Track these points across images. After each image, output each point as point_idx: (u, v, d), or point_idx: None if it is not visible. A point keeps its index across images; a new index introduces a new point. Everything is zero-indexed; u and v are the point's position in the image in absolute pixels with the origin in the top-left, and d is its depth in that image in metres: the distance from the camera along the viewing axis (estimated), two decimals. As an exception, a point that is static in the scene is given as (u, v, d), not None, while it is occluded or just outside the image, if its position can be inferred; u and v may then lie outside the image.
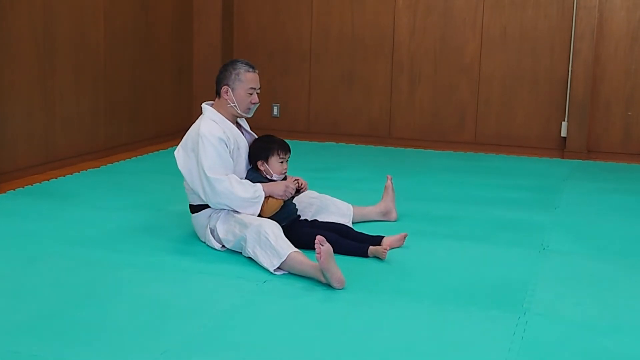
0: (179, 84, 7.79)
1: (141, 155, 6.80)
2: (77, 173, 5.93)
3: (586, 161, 7.11)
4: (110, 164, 6.33)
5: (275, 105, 8.03)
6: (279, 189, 3.97)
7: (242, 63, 4.09)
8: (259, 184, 3.96)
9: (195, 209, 4.11)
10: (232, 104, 4.06)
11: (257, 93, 4.11)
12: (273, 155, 4.09)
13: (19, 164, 5.71)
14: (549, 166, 6.85)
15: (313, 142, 7.80)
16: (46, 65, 5.94)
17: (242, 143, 4.09)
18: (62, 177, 5.78)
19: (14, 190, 5.30)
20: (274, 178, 4.08)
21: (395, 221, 4.65)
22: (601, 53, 7.15)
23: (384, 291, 3.48)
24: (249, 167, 4.14)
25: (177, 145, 4.14)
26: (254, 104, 4.10)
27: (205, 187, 3.91)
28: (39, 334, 2.93)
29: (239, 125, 4.21)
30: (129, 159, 6.58)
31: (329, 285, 3.46)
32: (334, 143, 7.77)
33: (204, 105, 4.12)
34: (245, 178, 4.06)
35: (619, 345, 2.95)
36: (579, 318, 3.21)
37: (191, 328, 3.01)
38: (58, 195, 5.19)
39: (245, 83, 4.05)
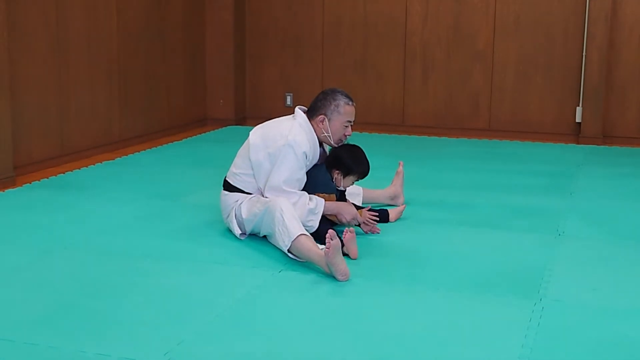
0: (192, 74, 7.79)
1: (155, 146, 6.82)
2: (92, 165, 5.96)
3: (601, 146, 7.07)
4: (125, 156, 6.35)
5: (289, 95, 8.02)
6: (346, 213, 3.98)
7: (342, 95, 4.04)
8: (322, 201, 3.91)
9: (229, 187, 4.08)
10: (326, 134, 4.02)
11: (350, 125, 4.07)
12: (353, 175, 4.10)
13: (34, 157, 5.73)
14: (564, 152, 6.82)
15: (327, 131, 7.78)
16: (60, 58, 5.95)
17: (315, 160, 4.05)
18: (78, 169, 5.80)
19: (30, 183, 5.33)
20: (340, 188, 4.10)
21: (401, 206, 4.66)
22: (615, 38, 7.09)
23: (400, 279, 3.48)
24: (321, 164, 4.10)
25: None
26: (347, 136, 4.07)
27: (269, 190, 3.89)
28: (56, 325, 2.95)
29: (321, 144, 4.14)
30: (143, 151, 6.60)
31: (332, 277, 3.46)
32: (348, 132, 7.75)
33: (298, 110, 4.05)
34: (317, 172, 4.02)
35: (636, 330, 2.94)
36: (595, 303, 3.21)
37: (207, 318, 3.03)
38: (74, 188, 5.22)
39: (343, 116, 4.00)
